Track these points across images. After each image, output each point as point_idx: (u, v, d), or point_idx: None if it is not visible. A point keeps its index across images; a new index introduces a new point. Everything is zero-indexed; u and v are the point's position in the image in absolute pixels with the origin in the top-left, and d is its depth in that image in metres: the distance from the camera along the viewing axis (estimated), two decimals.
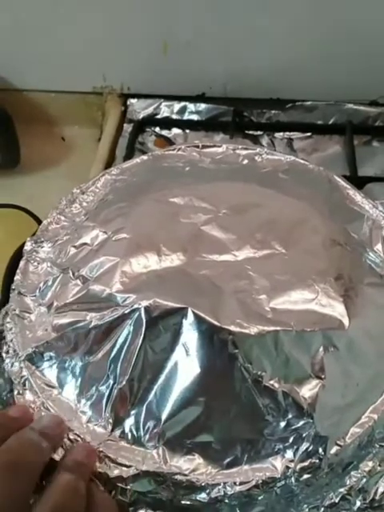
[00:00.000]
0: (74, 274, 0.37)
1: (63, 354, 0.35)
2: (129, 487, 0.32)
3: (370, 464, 0.35)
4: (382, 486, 0.35)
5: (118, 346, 0.34)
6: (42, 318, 0.37)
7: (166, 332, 0.33)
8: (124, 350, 0.33)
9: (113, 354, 0.34)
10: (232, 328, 0.32)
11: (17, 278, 0.40)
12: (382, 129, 0.70)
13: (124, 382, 0.33)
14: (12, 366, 0.36)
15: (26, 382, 0.35)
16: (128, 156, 0.66)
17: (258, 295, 0.34)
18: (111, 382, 0.33)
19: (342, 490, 0.34)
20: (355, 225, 0.41)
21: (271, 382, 0.32)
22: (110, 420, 0.33)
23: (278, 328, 0.33)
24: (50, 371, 0.35)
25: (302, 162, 0.47)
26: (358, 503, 0.34)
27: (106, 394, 0.33)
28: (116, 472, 0.32)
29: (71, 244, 0.40)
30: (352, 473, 0.34)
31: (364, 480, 0.34)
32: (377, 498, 0.34)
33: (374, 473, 0.35)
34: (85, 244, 0.39)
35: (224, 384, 0.32)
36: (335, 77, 0.69)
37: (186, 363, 0.32)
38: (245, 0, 0.64)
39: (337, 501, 0.34)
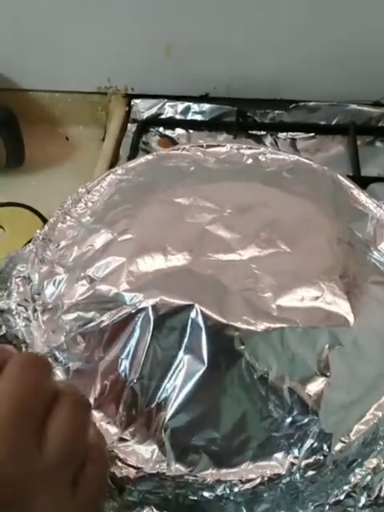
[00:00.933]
0: (80, 275, 0.38)
1: (75, 354, 0.36)
2: (136, 488, 0.33)
3: (375, 461, 0.35)
4: None
5: (127, 345, 0.34)
6: (51, 317, 0.38)
7: (173, 330, 0.33)
8: (133, 349, 0.34)
9: (123, 354, 0.34)
10: (238, 325, 0.32)
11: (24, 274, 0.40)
12: None
13: (135, 381, 0.33)
14: None
15: None
16: (132, 156, 0.66)
17: (264, 293, 0.34)
18: (122, 381, 0.34)
19: (346, 487, 0.34)
20: (359, 224, 0.42)
21: (277, 379, 0.32)
22: (123, 418, 0.34)
23: (284, 325, 0.33)
24: (64, 371, 0.36)
25: (306, 161, 0.47)
26: (363, 500, 0.34)
27: (118, 392, 0.34)
28: (124, 473, 0.33)
29: (77, 245, 0.40)
30: (356, 470, 0.35)
31: (369, 477, 0.34)
32: (382, 495, 0.34)
33: (378, 470, 0.35)
34: (91, 245, 0.39)
35: (230, 381, 0.32)
36: (338, 77, 0.69)
37: (192, 360, 0.32)
38: (248, 1, 0.64)
39: (342, 498, 0.34)
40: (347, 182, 0.45)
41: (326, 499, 0.34)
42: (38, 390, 0.27)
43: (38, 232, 0.43)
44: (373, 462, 0.35)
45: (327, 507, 0.34)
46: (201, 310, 0.32)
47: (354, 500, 0.34)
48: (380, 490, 0.35)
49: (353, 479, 0.34)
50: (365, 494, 0.34)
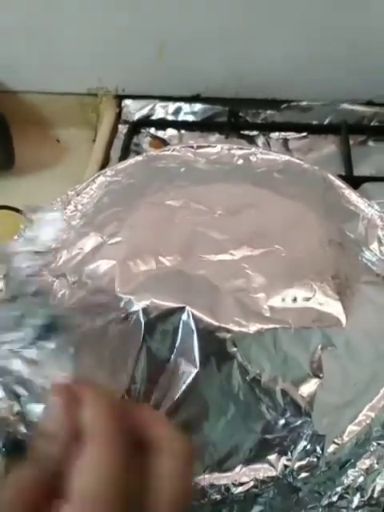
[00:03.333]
0: (69, 279, 0.37)
1: (67, 359, 0.35)
2: None
3: (368, 462, 0.35)
4: (380, 484, 0.35)
5: (118, 348, 0.34)
6: None
7: (164, 333, 0.33)
8: (124, 352, 0.33)
9: (113, 357, 0.34)
10: (230, 326, 0.32)
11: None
12: (378, 128, 0.70)
13: (126, 384, 0.33)
14: None
15: None
16: (123, 157, 0.66)
17: (256, 294, 0.34)
18: (114, 384, 0.33)
19: (339, 488, 0.34)
20: (351, 224, 0.41)
21: (270, 381, 0.32)
22: None
23: (277, 326, 0.33)
24: None
25: (296, 161, 0.47)
26: (356, 501, 0.34)
27: None
28: None
29: (66, 249, 0.40)
30: (350, 471, 0.35)
31: (361, 478, 0.35)
32: (374, 495, 0.35)
33: (371, 471, 0.35)
34: (80, 249, 0.39)
35: (223, 383, 0.32)
36: (330, 77, 0.69)
37: (184, 363, 0.32)
38: (240, 1, 0.64)
39: (335, 499, 0.34)
40: (338, 182, 0.45)
41: (319, 501, 0.34)
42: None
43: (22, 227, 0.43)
44: (366, 463, 0.35)
45: (321, 509, 0.34)
46: (192, 313, 0.32)
47: (347, 501, 0.34)
48: (373, 491, 0.35)
49: (346, 480, 0.34)
50: (358, 495, 0.35)
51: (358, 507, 0.34)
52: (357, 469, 0.35)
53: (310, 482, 0.33)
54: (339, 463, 0.34)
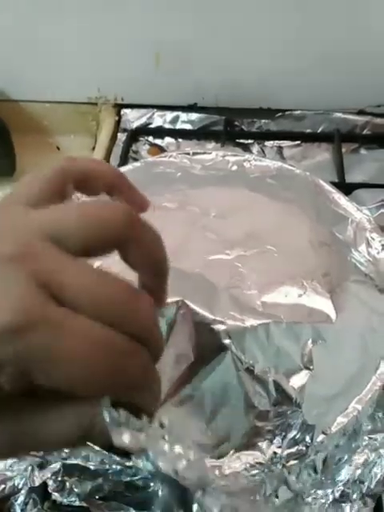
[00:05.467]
0: None
1: None
2: None
3: (363, 456, 0.36)
4: (376, 476, 0.36)
5: None
6: None
7: (161, 325, 0.34)
8: None
9: None
10: (225, 320, 0.33)
11: None
12: (370, 137, 0.72)
13: None
14: None
15: None
16: (122, 165, 0.66)
17: (250, 290, 0.35)
18: None
19: (339, 483, 0.36)
20: (340, 226, 0.43)
21: (262, 372, 0.33)
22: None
23: (269, 320, 0.34)
24: None
25: (288, 167, 0.49)
26: (355, 495, 0.36)
27: None
28: None
29: None
30: (346, 466, 0.36)
31: (358, 472, 0.36)
32: (372, 486, 0.36)
33: (366, 464, 0.36)
34: None
35: (217, 373, 0.33)
36: (324, 87, 0.70)
37: (181, 354, 0.33)
38: (235, 12, 0.66)
39: (337, 495, 0.36)
40: (328, 187, 0.46)
41: (324, 499, 0.35)
42: None
43: None
44: (361, 458, 0.36)
45: (327, 506, 0.35)
46: (189, 306, 0.34)
47: (347, 495, 0.36)
48: (370, 482, 0.36)
49: (343, 475, 0.36)
50: (355, 488, 0.36)
51: (356, 499, 0.36)
52: (353, 464, 0.36)
53: (308, 480, 0.34)
54: (334, 459, 0.35)
